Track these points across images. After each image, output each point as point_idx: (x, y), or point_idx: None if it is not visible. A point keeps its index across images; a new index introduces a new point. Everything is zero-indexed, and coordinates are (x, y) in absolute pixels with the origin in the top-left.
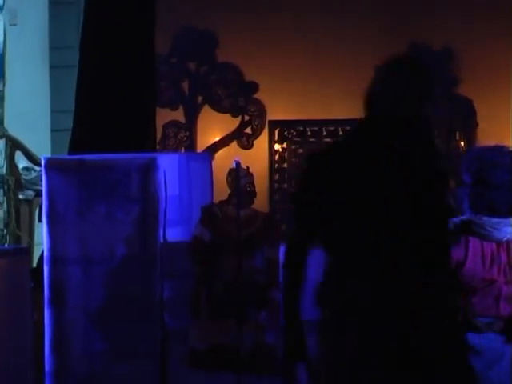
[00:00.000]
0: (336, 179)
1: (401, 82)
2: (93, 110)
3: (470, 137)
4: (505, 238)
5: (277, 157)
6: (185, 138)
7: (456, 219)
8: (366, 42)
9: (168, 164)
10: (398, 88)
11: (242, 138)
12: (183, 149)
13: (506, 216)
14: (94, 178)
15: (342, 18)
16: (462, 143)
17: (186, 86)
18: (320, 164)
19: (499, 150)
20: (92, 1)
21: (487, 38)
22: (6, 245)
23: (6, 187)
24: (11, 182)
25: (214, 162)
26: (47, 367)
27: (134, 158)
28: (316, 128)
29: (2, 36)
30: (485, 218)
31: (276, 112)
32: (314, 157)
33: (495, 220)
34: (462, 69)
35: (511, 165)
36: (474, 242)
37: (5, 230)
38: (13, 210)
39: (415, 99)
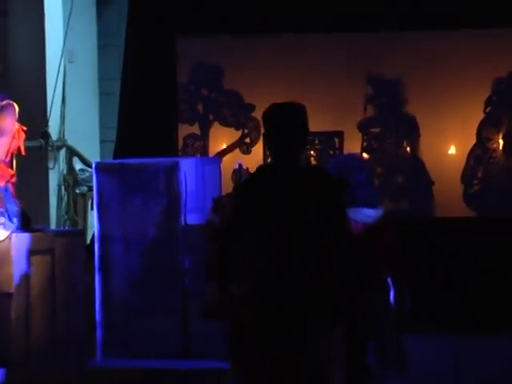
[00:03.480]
0: (255, 202)
1: (285, 129)
2: (130, 126)
3: (414, 145)
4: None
5: (269, 160)
6: (200, 147)
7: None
8: (338, 73)
9: (187, 166)
10: (285, 134)
11: (243, 146)
12: (199, 155)
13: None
14: (132, 177)
15: (323, 52)
16: (408, 149)
17: (200, 107)
18: (245, 190)
19: (352, 157)
20: (130, 45)
21: (429, 67)
22: (66, 227)
23: (66, 184)
24: (70, 180)
25: (221, 165)
26: (97, 318)
27: (162, 161)
28: None
29: (63, 71)
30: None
31: None
32: (244, 184)
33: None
34: (408, 92)
35: (363, 166)
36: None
37: (66, 217)
38: (71, 202)
39: (299, 142)
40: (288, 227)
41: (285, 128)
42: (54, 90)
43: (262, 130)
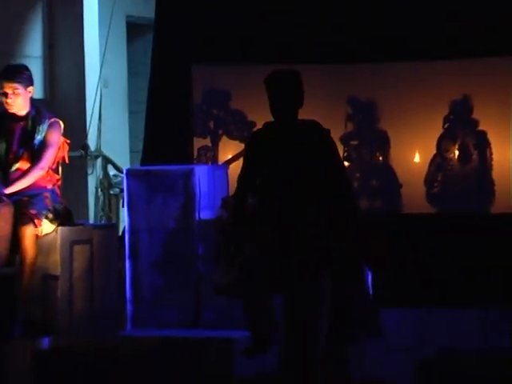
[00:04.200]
0: (258, 151)
1: (283, 91)
2: (154, 139)
3: (386, 154)
4: None
5: None
6: (211, 156)
7: None
8: (324, 96)
9: (201, 172)
10: (283, 94)
11: None
12: (210, 163)
13: None
14: (155, 181)
15: (313, 79)
16: (381, 158)
17: (211, 124)
18: (252, 142)
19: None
20: (154, 73)
21: (398, 92)
22: (102, 222)
23: (102, 187)
24: (105, 183)
25: (228, 171)
26: (127, 295)
27: (180, 168)
28: None
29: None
30: None
31: None
32: (252, 136)
33: None
34: (380, 112)
35: None
36: None
37: (102, 213)
38: (106, 201)
39: (296, 99)
40: (288, 169)
41: (283, 90)
42: (92, 110)
43: None
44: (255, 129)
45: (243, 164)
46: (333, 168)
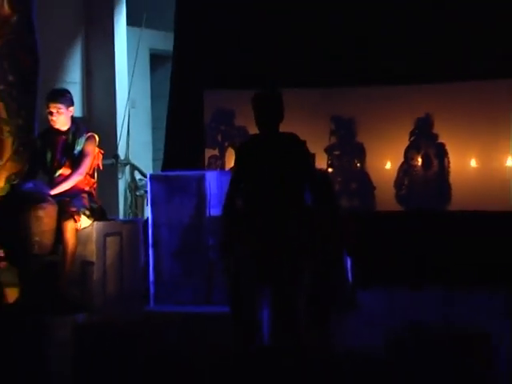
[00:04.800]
0: (246, 158)
1: (267, 108)
2: (173, 150)
3: (362, 162)
4: None
5: None
6: (219, 164)
7: None
8: (313, 115)
9: (211, 177)
10: (266, 111)
11: None
12: (218, 169)
13: None
14: (173, 184)
15: (303, 101)
16: (358, 165)
17: (219, 137)
18: (240, 150)
19: (321, 171)
20: (172, 96)
21: (372, 111)
22: (130, 217)
23: (130, 189)
24: (132, 186)
25: None
26: (150, 278)
27: (193, 173)
28: None
29: (128, 113)
30: None
31: None
32: (240, 145)
33: None
34: (358, 128)
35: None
36: None
37: (130, 210)
38: (133, 200)
39: (277, 115)
40: (268, 172)
41: (266, 108)
42: (122, 126)
43: None
44: (244, 140)
45: (233, 169)
46: (306, 172)
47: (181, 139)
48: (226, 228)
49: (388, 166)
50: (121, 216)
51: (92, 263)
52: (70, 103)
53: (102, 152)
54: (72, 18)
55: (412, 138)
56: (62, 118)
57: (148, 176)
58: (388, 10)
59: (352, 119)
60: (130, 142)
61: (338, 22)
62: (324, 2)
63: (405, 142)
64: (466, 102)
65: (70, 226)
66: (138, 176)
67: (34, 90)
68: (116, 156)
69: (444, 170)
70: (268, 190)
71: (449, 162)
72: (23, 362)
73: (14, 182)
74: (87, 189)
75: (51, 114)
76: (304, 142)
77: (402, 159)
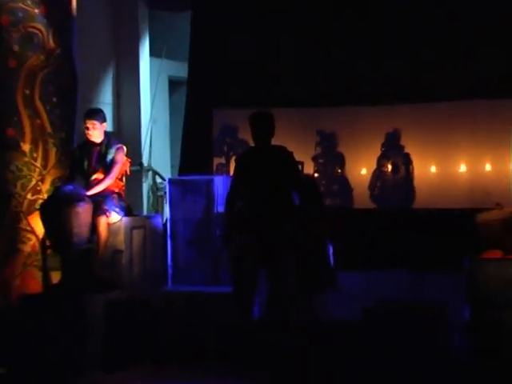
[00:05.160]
0: (243, 166)
1: (260, 125)
2: (187, 158)
3: (342, 169)
4: None
5: None
6: (225, 170)
7: None
8: (302, 129)
9: (218, 181)
10: (260, 128)
11: None
12: (224, 174)
13: None
14: (188, 186)
15: (294, 117)
16: (339, 171)
17: (225, 148)
18: (239, 160)
19: (308, 175)
20: (187, 114)
21: (350, 127)
22: (152, 214)
23: (152, 190)
24: (154, 188)
25: None
26: (168, 263)
27: (204, 178)
28: None
29: (151, 129)
30: None
31: None
32: (239, 155)
33: None
34: (339, 140)
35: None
36: None
37: (152, 208)
38: (155, 200)
39: (268, 131)
40: (262, 177)
41: (260, 125)
42: (145, 139)
43: None
44: (242, 151)
45: (233, 175)
46: (292, 180)
47: (194, 149)
48: (228, 223)
49: (363, 171)
50: (144, 212)
51: (121, 251)
52: (103, 120)
53: (129, 160)
54: (105, 50)
55: (383, 149)
56: (96, 133)
57: (167, 180)
58: (363, 41)
59: (334, 133)
60: (151, 152)
61: (321, 56)
62: (306, 40)
63: (377, 152)
64: (427, 119)
65: (102, 221)
66: (158, 180)
67: (74, 109)
68: (140, 163)
69: (409, 175)
70: (262, 192)
71: (413, 169)
72: (65, 332)
73: (58, 185)
74: (117, 190)
75: (88, 128)
76: (291, 153)
77: (374, 166)
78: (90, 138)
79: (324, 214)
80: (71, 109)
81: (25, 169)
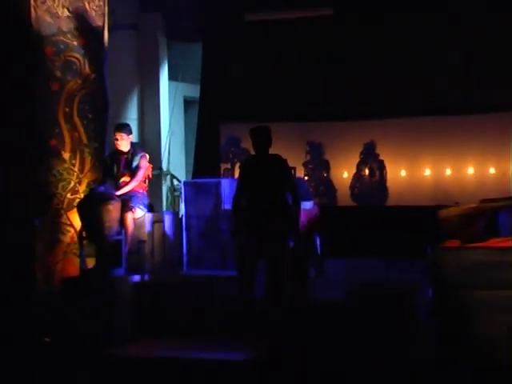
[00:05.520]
0: (246, 171)
1: (260, 138)
2: (199, 164)
3: (328, 173)
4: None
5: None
6: (230, 174)
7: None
8: (295, 140)
9: (225, 183)
10: (259, 140)
11: None
12: (230, 178)
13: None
14: (200, 187)
15: (287, 130)
16: (325, 175)
17: (230, 155)
18: (243, 166)
19: (300, 178)
20: (199, 128)
21: (334, 139)
22: (170, 211)
23: (170, 191)
24: (172, 189)
25: None
26: (184, 251)
27: (213, 180)
28: None
29: (169, 140)
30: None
31: None
32: (242, 163)
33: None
34: (326, 149)
35: (304, 183)
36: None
37: (170, 206)
38: (173, 199)
39: (266, 142)
40: (260, 182)
41: (259, 137)
42: (164, 148)
43: None
44: (245, 159)
45: (238, 179)
46: (286, 181)
47: (204, 157)
48: (234, 219)
49: (345, 175)
50: (164, 209)
51: (144, 241)
52: (130, 132)
53: (151, 166)
54: (131, 75)
55: (361, 156)
56: (124, 143)
57: (182, 182)
58: (346, 70)
59: (320, 143)
60: (170, 159)
61: (311, 82)
62: (296, 68)
63: (356, 159)
64: (398, 132)
65: (129, 216)
66: (175, 182)
67: (105, 124)
68: (160, 168)
69: (383, 178)
70: (261, 193)
71: (386, 173)
72: (99, 308)
73: (92, 187)
74: (141, 191)
75: (117, 139)
76: (285, 160)
77: (354, 170)
78: (118, 147)
79: (299, 212)
80: (103, 123)
81: (65, 173)
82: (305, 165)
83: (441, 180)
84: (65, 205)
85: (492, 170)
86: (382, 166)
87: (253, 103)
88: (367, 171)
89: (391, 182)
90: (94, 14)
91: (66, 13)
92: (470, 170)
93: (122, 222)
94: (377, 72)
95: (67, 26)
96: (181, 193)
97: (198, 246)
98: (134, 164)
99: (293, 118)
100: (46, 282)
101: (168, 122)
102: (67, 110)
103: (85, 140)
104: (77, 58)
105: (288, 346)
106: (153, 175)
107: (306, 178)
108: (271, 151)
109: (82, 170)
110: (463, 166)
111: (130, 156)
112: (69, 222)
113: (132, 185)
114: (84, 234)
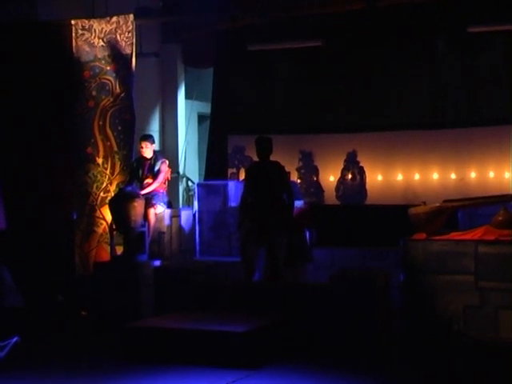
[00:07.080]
0: (251, 175)
1: (262, 146)
2: (210, 169)
3: (317, 177)
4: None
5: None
6: (236, 177)
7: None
8: (290, 149)
9: (232, 185)
10: (262, 148)
11: None
12: (235, 180)
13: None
14: (210, 188)
15: (283, 140)
16: (314, 178)
17: (236, 162)
18: (248, 170)
19: (293, 181)
20: (210, 139)
21: (322, 148)
22: (186, 207)
23: (185, 191)
24: (187, 189)
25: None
26: (196, 241)
27: (221, 182)
28: None
29: (185, 148)
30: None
31: None
32: (248, 168)
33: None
34: (315, 157)
35: (296, 184)
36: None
37: (185, 203)
38: (188, 197)
39: (268, 150)
40: (262, 183)
41: (262, 146)
42: (181, 155)
43: None
44: (250, 164)
45: (244, 181)
46: (283, 183)
47: (214, 163)
48: (240, 215)
49: (331, 178)
50: (180, 206)
51: (164, 232)
52: (153, 142)
53: (170, 170)
54: (154, 94)
55: (345, 163)
56: (148, 151)
57: (196, 183)
58: (333, 91)
59: (311, 152)
60: (185, 164)
61: (303, 100)
62: (292, 90)
63: (341, 166)
64: (376, 143)
65: (151, 212)
66: (190, 183)
67: (132, 135)
68: (178, 172)
69: (363, 182)
70: (263, 194)
71: (366, 177)
72: (127, 287)
73: (121, 187)
74: (162, 190)
75: (142, 148)
76: (283, 166)
77: (339, 175)
78: (143, 154)
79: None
80: (130, 134)
81: (98, 175)
82: (298, 170)
83: (410, 183)
84: (98, 202)
85: (453, 176)
86: (362, 172)
87: (255, 118)
88: (350, 176)
89: (370, 185)
90: (123, 43)
91: (101, 43)
92: (435, 175)
93: (145, 216)
94: (358, 93)
95: (102, 53)
96: (194, 192)
97: (209, 237)
98: (156, 168)
99: (288, 131)
100: (82, 266)
101: (184, 134)
102: (101, 123)
103: (115, 148)
104: (109, 80)
105: (281, 318)
106: (171, 177)
107: (299, 181)
108: (271, 158)
109: (112, 173)
110: (428, 172)
111: (152, 161)
112: (101, 216)
113: (154, 185)
114: (114, 226)
